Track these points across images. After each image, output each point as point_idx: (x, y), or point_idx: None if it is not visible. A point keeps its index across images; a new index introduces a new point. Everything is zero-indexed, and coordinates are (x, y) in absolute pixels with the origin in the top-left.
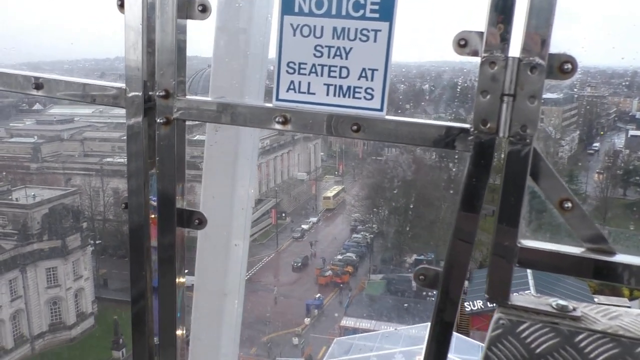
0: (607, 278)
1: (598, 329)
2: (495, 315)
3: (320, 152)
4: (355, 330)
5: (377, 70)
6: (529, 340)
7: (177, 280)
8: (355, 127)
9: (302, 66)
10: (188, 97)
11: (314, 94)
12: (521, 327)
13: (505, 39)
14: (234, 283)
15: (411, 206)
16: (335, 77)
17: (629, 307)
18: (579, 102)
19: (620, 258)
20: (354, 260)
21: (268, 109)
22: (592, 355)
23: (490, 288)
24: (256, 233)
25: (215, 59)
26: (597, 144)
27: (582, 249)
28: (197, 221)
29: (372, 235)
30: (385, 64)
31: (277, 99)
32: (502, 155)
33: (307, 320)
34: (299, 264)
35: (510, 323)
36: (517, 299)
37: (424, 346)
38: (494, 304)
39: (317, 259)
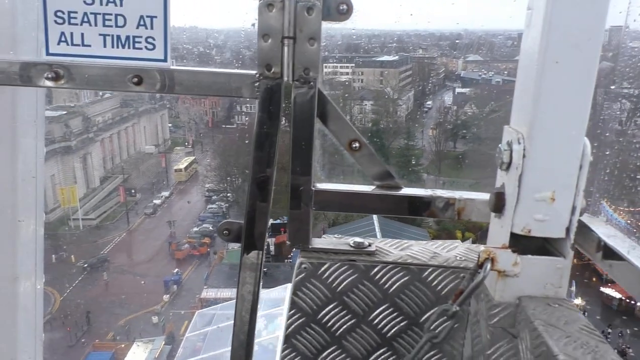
0: (396, 211)
1: (390, 260)
2: (298, 260)
3: (168, 123)
4: (216, 301)
5: (156, 17)
6: (330, 280)
7: None
8: (136, 80)
9: (72, 15)
10: None
11: (89, 46)
12: (322, 269)
13: None
14: (26, 264)
15: None
16: (111, 26)
17: None
18: (413, 63)
19: (406, 191)
20: (211, 231)
21: (36, 64)
22: (386, 285)
23: (292, 234)
24: (103, 214)
25: None
26: (430, 102)
27: (373, 187)
28: None
29: (227, 205)
30: (164, 11)
31: (48, 53)
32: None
33: (166, 297)
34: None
35: (312, 266)
36: (318, 242)
37: (285, 306)
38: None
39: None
